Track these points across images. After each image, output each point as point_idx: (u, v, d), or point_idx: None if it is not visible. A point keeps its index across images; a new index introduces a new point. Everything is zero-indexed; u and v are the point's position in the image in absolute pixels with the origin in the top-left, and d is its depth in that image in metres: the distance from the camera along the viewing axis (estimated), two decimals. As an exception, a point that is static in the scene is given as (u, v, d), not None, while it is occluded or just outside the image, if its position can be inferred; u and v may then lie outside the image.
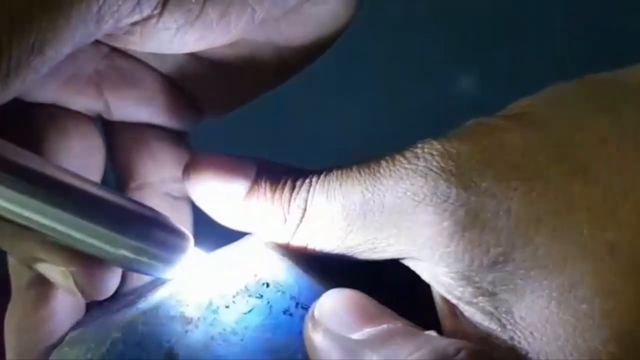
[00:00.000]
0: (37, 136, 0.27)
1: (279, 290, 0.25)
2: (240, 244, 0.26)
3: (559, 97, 0.24)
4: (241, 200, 0.25)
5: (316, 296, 0.24)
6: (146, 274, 0.25)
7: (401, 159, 0.23)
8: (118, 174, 0.29)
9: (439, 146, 0.23)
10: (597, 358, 0.21)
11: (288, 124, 0.74)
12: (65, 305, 0.26)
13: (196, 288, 0.24)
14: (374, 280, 0.27)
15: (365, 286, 0.26)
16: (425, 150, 0.23)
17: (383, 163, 0.24)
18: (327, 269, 0.26)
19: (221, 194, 0.25)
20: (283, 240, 0.25)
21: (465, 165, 0.23)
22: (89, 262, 0.24)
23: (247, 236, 0.26)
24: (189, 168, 0.25)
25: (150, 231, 0.24)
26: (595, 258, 0.21)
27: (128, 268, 0.25)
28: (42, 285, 0.26)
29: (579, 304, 0.21)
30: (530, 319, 0.22)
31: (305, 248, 0.25)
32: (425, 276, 0.24)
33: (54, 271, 0.24)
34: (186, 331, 0.24)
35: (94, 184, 0.24)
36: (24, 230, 0.23)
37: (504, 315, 0.22)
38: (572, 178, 0.22)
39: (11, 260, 0.27)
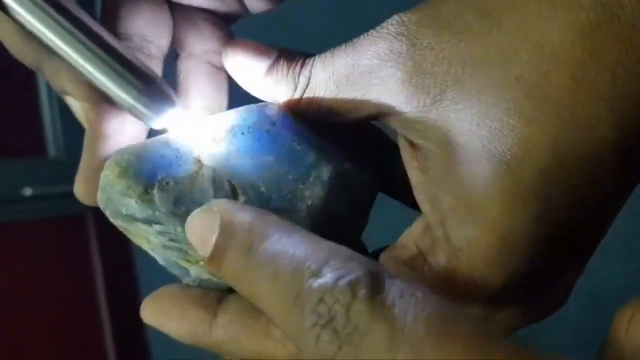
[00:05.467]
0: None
1: (283, 128, 0.31)
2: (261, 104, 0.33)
3: None
4: (264, 73, 0.32)
5: (309, 141, 0.32)
6: (140, 119, 0.31)
7: (373, 31, 0.30)
8: (175, 46, 0.36)
9: (397, 17, 0.29)
10: (503, 160, 0.27)
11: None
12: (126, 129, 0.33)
13: (225, 119, 0.32)
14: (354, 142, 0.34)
15: (348, 144, 0.33)
16: (389, 21, 0.30)
17: (362, 36, 0.30)
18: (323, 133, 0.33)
19: (249, 68, 0.32)
20: (293, 105, 0.32)
21: (412, 29, 0.29)
22: (100, 102, 0.31)
23: (265, 103, 0.33)
24: (228, 47, 0.33)
25: (148, 83, 0.30)
26: (505, 86, 0.27)
27: (130, 111, 0.31)
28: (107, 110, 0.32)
29: (492, 122, 0.27)
30: (457, 140, 0.28)
31: (309, 110, 0.31)
32: (392, 125, 0.30)
33: (76, 105, 0.31)
34: (212, 144, 0.31)
35: (115, 38, 0.31)
36: (55, 57, 0.29)
37: (439, 142, 0.29)
38: (489, 30, 0.27)
39: None
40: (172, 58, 0.36)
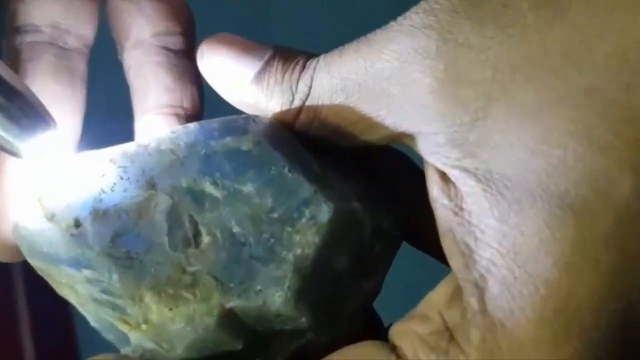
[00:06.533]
0: None
1: (270, 149, 0.25)
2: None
3: None
4: (252, 78, 0.26)
5: (306, 168, 0.26)
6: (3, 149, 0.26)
7: (393, 22, 0.24)
8: (116, 38, 0.31)
9: (424, 4, 0.24)
10: (565, 202, 0.22)
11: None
12: None
13: (192, 133, 0.26)
14: (362, 171, 0.28)
15: (361, 177, 0.28)
16: (414, 9, 0.24)
17: (378, 30, 0.25)
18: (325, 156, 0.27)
19: (232, 71, 0.26)
20: (288, 121, 0.26)
21: (444, 19, 0.23)
22: None
23: (249, 114, 0.27)
24: (204, 44, 0.27)
25: (13, 99, 0.25)
26: (570, 103, 0.22)
27: None
28: None
29: (552, 149, 0.22)
30: (506, 171, 0.23)
31: (309, 128, 0.26)
32: (417, 149, 0.25)
33: None
34: (171, 165, 0.25)
35: None
36: None
37: (481, 174, 0.23)
38: (550, 23, 0.22)
39: None
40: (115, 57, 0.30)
